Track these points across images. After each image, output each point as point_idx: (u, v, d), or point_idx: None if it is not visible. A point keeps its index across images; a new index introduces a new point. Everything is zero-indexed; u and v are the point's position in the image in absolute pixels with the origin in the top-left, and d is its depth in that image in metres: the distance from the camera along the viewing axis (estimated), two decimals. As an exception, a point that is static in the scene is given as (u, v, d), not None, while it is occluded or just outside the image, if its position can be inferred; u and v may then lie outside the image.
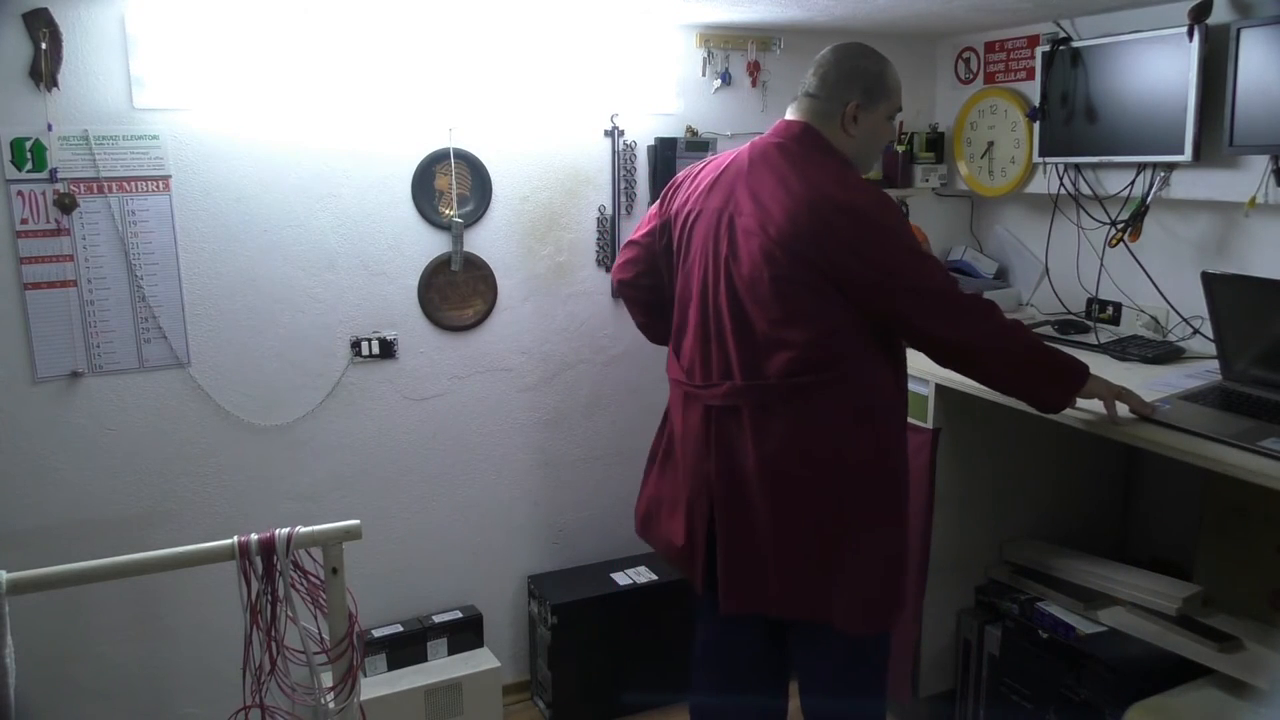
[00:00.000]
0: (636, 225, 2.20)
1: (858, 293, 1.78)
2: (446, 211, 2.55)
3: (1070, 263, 2.80)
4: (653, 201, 2.73)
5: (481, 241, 2.61)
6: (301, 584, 1.67)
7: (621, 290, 2.26)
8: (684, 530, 2.02)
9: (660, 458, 2.14)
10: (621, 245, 2.28)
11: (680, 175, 2.09)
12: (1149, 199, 2.44)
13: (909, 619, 2.42)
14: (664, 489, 2.11)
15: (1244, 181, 2.22)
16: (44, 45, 2.08)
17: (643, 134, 2.73)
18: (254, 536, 1.63)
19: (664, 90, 2.73)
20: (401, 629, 2.59)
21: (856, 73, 1.86)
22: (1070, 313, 2.82)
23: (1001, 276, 3.08)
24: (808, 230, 1.74)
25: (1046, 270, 2.91)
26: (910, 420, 2.38)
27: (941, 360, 1.91)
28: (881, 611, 1.93)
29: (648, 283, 2.15)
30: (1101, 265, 2.69)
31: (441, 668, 2.56)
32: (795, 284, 1.77)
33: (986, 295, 2.91)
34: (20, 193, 2.14)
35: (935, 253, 3.13)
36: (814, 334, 1.79)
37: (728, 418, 1.90)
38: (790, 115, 1.93)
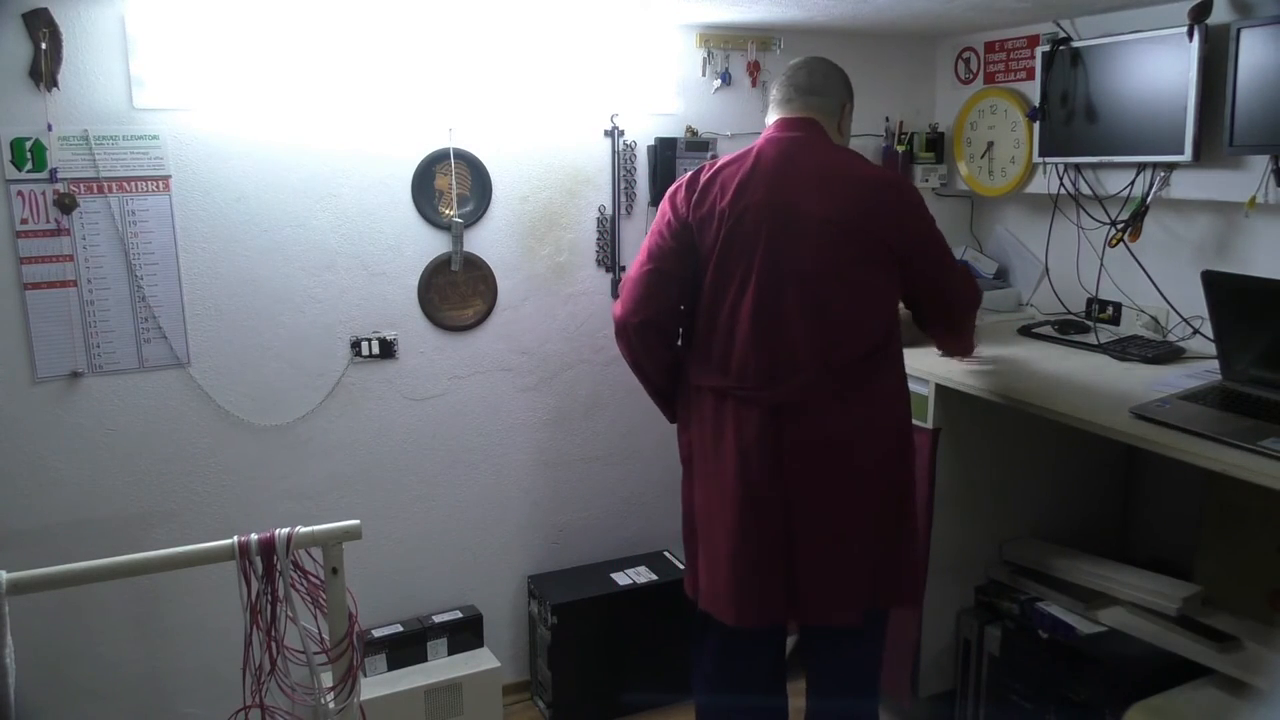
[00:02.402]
0: (644, 251, 2.01)
1: (905, 261, 1.90)
2: (446, 211, 2.55)
3: (1070, 263, 2.80)
4: (653, 202, 2.74)
5: (481, 241, 2.61)
6: (301, 584, 1.67)
7: (643, 332, 2.00)
8: (747, 559, 1.92)
9: (699, 520, 2.04)
10: (630, 277, 2.03)
11: (685, 180, 1.99)
12: (1149, 199, 2.44)
13: (910, 617, 2.43)
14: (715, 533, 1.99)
15: (1244, 181, 2.22)
16: (44, 45, 2.08)
17: (643, 134, 2.73)
18: (254, 536, 1.63)
19: (664, 90, 2.73)
20: (401, 629, 2.58)
21: (845, 80, 2.05)
22: (1070, 313, 2.82)
23: (1001, 276, 3.08)
24: (869, 207, 1.85)
25: (1046, 270, 2.91)
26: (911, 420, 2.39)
27: (936, 319, 2.07)
28: (924, 582, 2.13)
29: (679, 305, 2.01)
30: (1101, 265, 2.68)
31: (441, 668, 2.56)
32: (865, 263, 1.85)
33: (987, 294, 2.94)
34: (20, 193, 2.13)
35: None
36: (881, 312, 1.90)
37: (795, 416, 1.87)
38: (794, 113, 1.97)
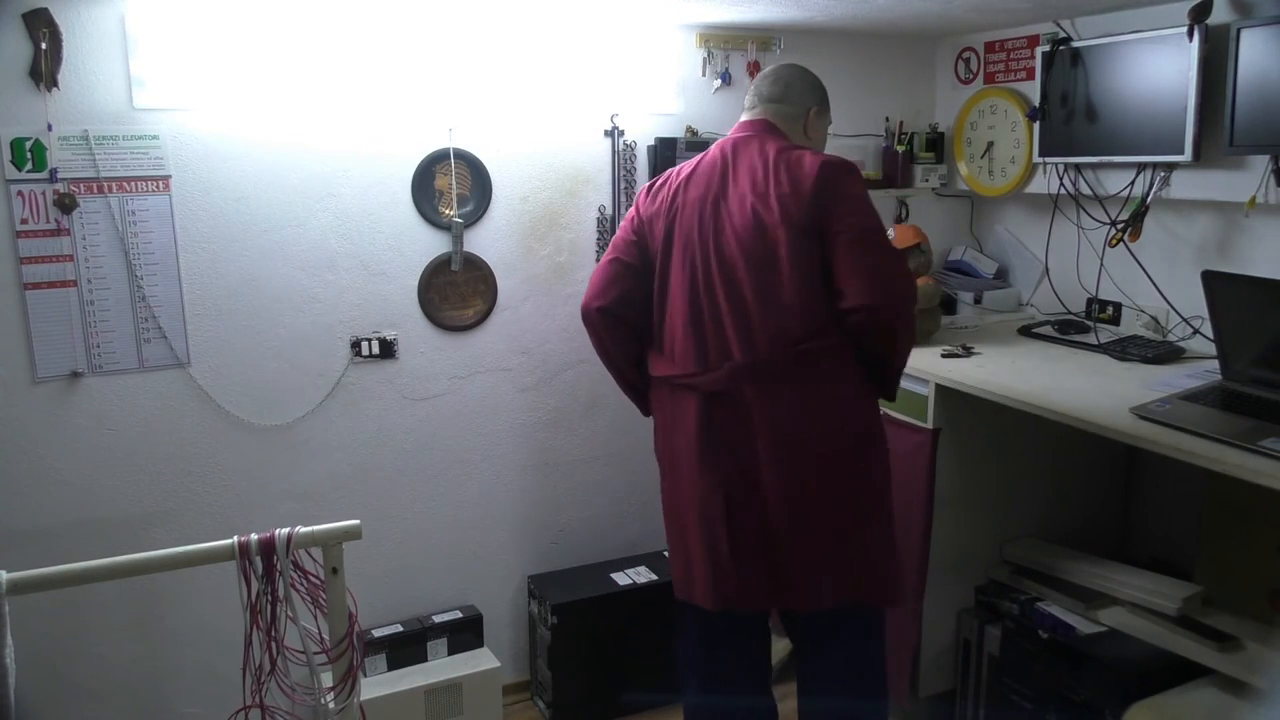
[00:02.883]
0: (610, 246, 2.10)
1: (831, 237, 1.83)
2: (446, 211, 2.55)
3: (1070, 263, 2.80)
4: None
5: (481, 241, 2.61)
6: (301, 584, 1.66)
7: (605, 318, 2.05)
8: (703, 546, 1.96)
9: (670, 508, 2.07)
10: (596, 268, 2.13)
11: (649, 183, 2.10)
12: (1149, 199, 2.44)
13: (909, 617, 2.43)
14: (682, 523, 2.03)
15: (1244, 181, 2.22)
16: (44, 45, 2.08)
17: (643, 134, 2.73)
18: (254, 536, 1.63)
19: (664, 90, 2.73)
20: (401, 629, 2.58)
21: (813, 86, 2.06)
22: (1070, 313, 2.82)
23: (1001, 276, 3.08)
24: (794, 187, 1.85)
25: (1046, 270, 2.91)
26: (910, 420, 2.40)
27: (862, 305, 1.83)
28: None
29: (639, 296, 2.05)
30: (1101, 265, 2.69)
31: (441, 668, 2.56)
32: (793, 245, 1.83)
33: (987, 294, 2.94)
34: (20, 193, 2.14)
35: (935, 253, 3.13)
36: (813, 301, 1.85)
37: (727, 404, 1.90)
38: (754, 116, 2.03)
